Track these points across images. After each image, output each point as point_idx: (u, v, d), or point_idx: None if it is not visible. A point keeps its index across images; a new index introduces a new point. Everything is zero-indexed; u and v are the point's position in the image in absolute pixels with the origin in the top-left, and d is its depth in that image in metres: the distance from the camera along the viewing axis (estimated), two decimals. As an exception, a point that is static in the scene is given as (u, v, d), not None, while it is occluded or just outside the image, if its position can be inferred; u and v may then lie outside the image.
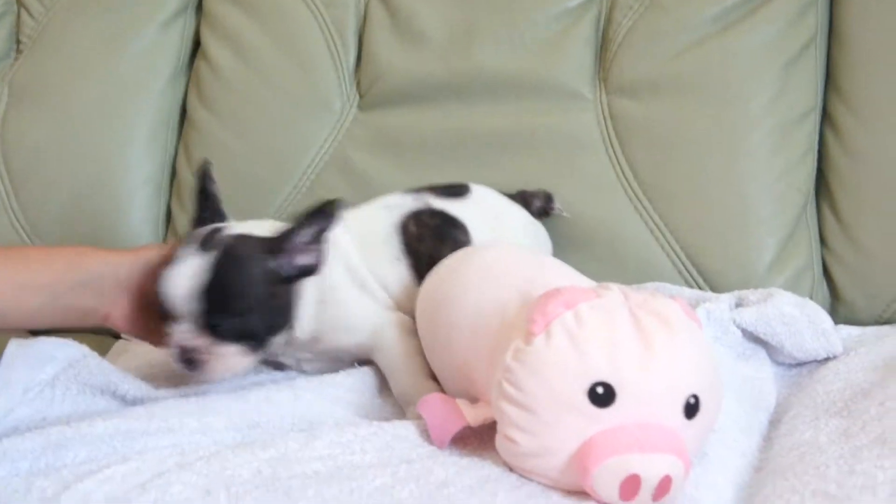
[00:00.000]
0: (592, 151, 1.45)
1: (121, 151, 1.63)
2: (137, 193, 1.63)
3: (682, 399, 0.91)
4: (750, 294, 1.27)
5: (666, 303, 0.96)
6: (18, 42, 1.72)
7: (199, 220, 1.18)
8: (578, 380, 0.90)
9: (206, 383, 1.13)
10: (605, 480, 0.87)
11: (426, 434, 1.01)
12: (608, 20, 1.50)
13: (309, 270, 1.14)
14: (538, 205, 1.41)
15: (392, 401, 1.15)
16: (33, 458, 0.98)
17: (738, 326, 1.21)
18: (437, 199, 1.30)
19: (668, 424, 0.90)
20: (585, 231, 1.42)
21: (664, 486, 0.88)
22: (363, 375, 1.17)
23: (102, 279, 1.13)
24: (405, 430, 1.03)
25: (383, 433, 1.02)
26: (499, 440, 0.95)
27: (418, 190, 1.31)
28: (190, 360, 1.11)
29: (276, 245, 1.12)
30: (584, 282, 1.07)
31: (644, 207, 1.41)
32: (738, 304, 1.26)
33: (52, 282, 1.10)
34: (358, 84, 1.58)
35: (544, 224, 1.41)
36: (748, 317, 1.21)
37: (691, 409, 0.92)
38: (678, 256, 1.39)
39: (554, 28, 1.51)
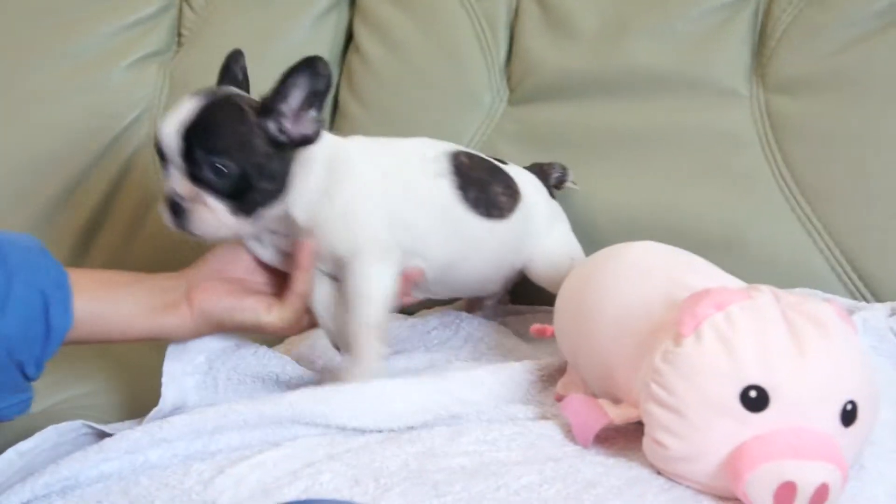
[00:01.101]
0: (747, 150, 1.42)
1: (275, 143, 1.66)
2: (289, 184, 1.66)
3: (838, 405, 0.88)
4: None
5: (820, 305, 0.94)
6: (180, 35, 1.77)
7: None
8: (731, 383, 0.88)
9: (194, 237, 1.14)
10: (759, 487, 0.86)
11: (571, 434, 1.01)
12: (766, 14, 1.46)
13: (306, 140, 1.13)
14: (556, 176, 1.44)
15: (540, 398, 1.14)
16: (189, 441, 1.02)
17: (895, 335, 1.17)
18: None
19: (825, 431, 0.88)
20: (738, 231, 1.38)
21: (821, 494, 0.85)
22: (512, 372, 1.17)
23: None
24: (550, 429, 1.02)
25: (528, 432, 1.02)
26: (646, 443, 0.94)
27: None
28: (176, 209, 1.12)
29: (263, 104, 1.12)
30: (732, 282, 1.04)
31: (801, 208, 1.37)
32: (893, 314, 1.22)
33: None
34: (508, 78, 1.58)
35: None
36: None
37: (848, 416, 0.89)
38: (837, 260, 1.34)
39: (709, 23, 1.48)
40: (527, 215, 1.32)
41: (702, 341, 0.90)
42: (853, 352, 0.92)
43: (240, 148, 1.11)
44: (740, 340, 0.89)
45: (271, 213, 1.15)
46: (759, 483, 0.86)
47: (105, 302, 1.12)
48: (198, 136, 1.10)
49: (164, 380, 1.15)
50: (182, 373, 1.17)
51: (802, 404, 0.87)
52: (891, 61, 1.36)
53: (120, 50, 1.75)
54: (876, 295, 1.33)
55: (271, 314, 1.17)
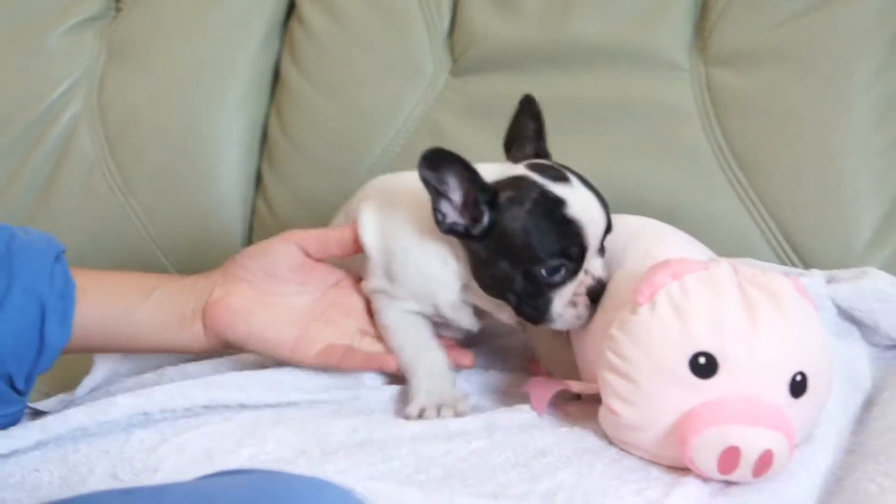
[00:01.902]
0: (687, 123, 1.43)
1: (213, 112, 1.64)
2: (228, 154, 1.64)
3: (787, 375, 0.90)
4: (841, 273, 1.25)
5: (778, 279, 0.95)
6: (118, 0, 1.74)
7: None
8: (681, 349, 0.89)
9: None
10: (704, 451, 0.87)
11: (526, 404, 1.01)
12: (708, -12, 1.47)
13: None
14: None
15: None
16: (133, 411, 1.00)
17: (833, 303, 1.18)
18: None
19: (773, 400, 0.89)
20: (678, 203, 1.39)
21: (765, 460, 0.87)
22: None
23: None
24: (504, 398, 1.04)
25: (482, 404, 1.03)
26: (601, 411, 0.95)
27: None
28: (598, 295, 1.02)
29: None
30: (702, 255, 1.05)
31: (738, 180, 1.39)
32: (830, 281, 1.23)
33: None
34: (451, 49, 1.58)
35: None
36: (843, 293, 1.18)
37: (798, 387, 0.90)
38: (772, 232, 1.37)
39: (652, -4, 1.48)
40: None
41: (656, 309, 0.91)
42: (807, 325, 0.93)
43: None
44: (693, 308, 0.90)
45: None
46: (704, 447, 0.87)
47: (114, 313, 1.06)
48: (608, 213, 1.03)
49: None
50: None
51: (751, 373, 0.89)
52: (830, 36, 1.38)
53: (56, 15, 1.71)
54: (808, 265, 1.34)
55: (296, 354, 1.08)
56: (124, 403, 1.00)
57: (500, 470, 0.89)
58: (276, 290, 1.09)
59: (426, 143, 1.49)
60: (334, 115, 1.59)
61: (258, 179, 1.65)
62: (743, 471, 0.87)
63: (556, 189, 1.00)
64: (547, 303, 1.00)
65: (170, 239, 1.62)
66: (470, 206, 1.00)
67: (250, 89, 1.66)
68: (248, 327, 1.08)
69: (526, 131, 1.10)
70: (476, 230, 1.00)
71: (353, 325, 1.11)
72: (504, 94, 1.50)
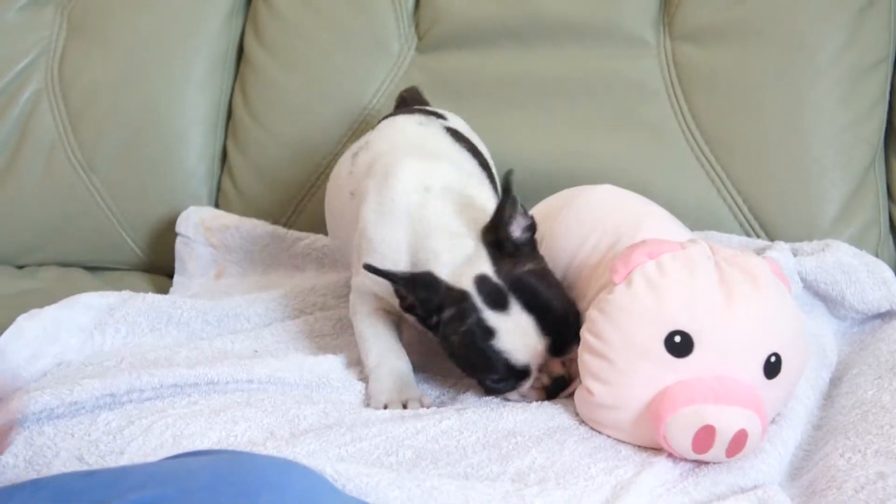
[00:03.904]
0: (654, 98, 1.43)
1: (176, 89, 1.62)
2: (192, 131, 1.62)
3: (762, 356, 0.90)
4: (805, 245, 1.26)
5: (755, 260, 0.95)
6: (77, -26, 1.72)
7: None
8: (656, 327, 0.89)
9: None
10: (679, 430, 0.87)
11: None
12: (673, -36, 1.47)
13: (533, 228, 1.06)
14: None
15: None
16: (98, 395, 0.99)
17: (799, 277, 1.19)
18: None
19: (747, 380, 0.89)
20: (645, 178, 1.39)
21: (739, 440, 0.87)
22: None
23: None
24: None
25: (454, 388, 1.03)
26: (577, 392, 0.95)
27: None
28: (557, 390, 1.02)
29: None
30: (684, 235, 1.05)
31: (705, 156, 1.39)
32: (795, 255, 1.24)
33: None
34: (417, 26, 1.57)
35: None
36: (809, 266, 1.19)
37: (772, 368, 0.90)
38: (739, 207, 1.37)
39: (617, -29, 1.48)
40: None
41: (632, 287, 0.91)
42: (783, 306, 0.93)
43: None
44: (669, 287, 0.90)
45: None
46: (679, 426, 0.87)
47: None
48: (557, 324, 1.00)
49: None
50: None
51: (726, 352, 0.89)
52: (793, 11, 1.38)
53: (14, -10, 1.69)
54: (774, 240, 1.34)
55: None
56: (90, 385, 0.99)
57: (470, 450, 0.89)
58: None
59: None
60: (299, 92, 1.58)
61: (224, 157, 1.64)
62: (717, 450, 0.87)
63: (490, 318, 1.00)
64: (498, 394, 1.04)
65: (134, 217, 1.61)
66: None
67: (214, 66, 1.64)
68: None
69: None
70: (429, 323, 1.04)
71: None
72: (470, 71, 1.51)
